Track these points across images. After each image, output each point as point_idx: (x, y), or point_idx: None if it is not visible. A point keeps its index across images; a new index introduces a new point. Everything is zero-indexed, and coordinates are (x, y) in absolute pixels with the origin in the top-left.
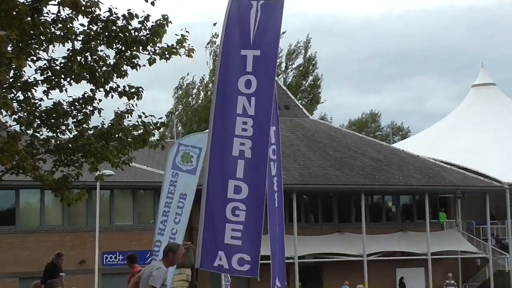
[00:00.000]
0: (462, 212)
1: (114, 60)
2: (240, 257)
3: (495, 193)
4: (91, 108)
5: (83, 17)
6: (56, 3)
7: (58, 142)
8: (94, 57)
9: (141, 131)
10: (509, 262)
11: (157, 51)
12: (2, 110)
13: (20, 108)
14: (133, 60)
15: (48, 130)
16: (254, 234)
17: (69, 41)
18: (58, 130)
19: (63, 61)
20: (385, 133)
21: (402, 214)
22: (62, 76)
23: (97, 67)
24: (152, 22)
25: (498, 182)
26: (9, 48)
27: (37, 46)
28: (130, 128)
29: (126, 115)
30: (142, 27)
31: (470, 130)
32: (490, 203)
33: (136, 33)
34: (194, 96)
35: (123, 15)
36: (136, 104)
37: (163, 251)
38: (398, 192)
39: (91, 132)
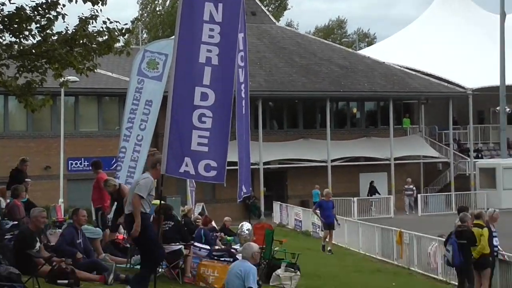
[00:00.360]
0: (425, 117)
1: None
2: (206, 163)
3: (458, 99)
4: (55, 14)
5: None
6: None
7: (21, 47)
8: None
9: (106, 37)
10: (469, 166)
11: None
12: None
13: None
14: None
15: (11, 35)
16: (221, 141)
17: None
18: (21, 36)
19: None
20: (351, 40)
21: (366, 120)
22: None
23: None
24: None
25: (461, 87)
26: None
27: None
28: (95, 34)
29: (91, 21)
30: None
31: (435, 36)
32: (453, 108)
33: None
34: (160, 2)
35: None
36: (101, 10)
37: (151, 163)
38: (363, 98)
39: (55, 37)
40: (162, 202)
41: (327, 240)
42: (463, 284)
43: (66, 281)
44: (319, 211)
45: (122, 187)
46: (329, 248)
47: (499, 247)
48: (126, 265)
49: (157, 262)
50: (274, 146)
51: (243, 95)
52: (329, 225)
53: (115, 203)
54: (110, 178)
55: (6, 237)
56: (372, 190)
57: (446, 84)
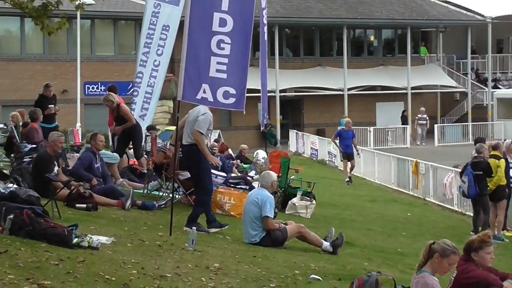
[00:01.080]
0: (443, 46)
1: None
2: (225, 90)
3: (477, 27)
4: None
5: None
6: None
7: None
8: None
9: None
10: (487, 96)
11: None
12: None
13: None
14: None
15: None
16: (240, 68)
17: None
18: None
19: None
20: None
21: (383, 48)
22: None
23: None
24: None
25: (480, 15)
26: None
27: None
28: None
29: None
30: None
31: None
32: (471, 37)
33: None
34: None
35: None
36: None
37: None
38: (380, 26)
39: None
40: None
41: (348, 171)
42: (479, 215)
43: (84, 205)
44: (338, 141)
45: (122, 107)
46: (347, 179)
47: None
48: (143, 191)
49: (207, 197)
50: (290, 74)
51: (264, 21)
52: (348, 155)
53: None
54: (109, 93)
55: (24, 160)
56: (403, 119)
57: (465, 12)
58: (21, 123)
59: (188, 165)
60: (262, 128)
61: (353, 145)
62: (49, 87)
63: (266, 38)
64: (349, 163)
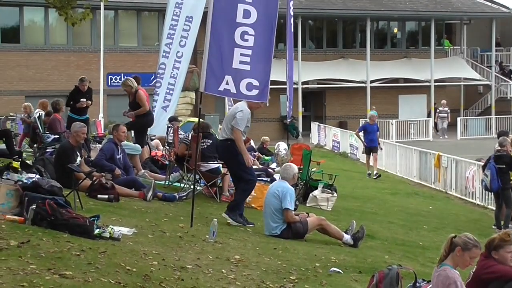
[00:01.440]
0: (467, 38)
1: None
2: (248, 82)
3: (502, 19)
4: None
5: None
6: None
7: None
8: None
9: None
10: (511, 89)
11: None
12: None
13: None
14: None
15: None
16: (264, 60)
17: None
18: None
19: None
20: None
21: (407, 41)
22: None
23: None
24: None
25: (505, 7)
26: None
27: None
28: None
29: None
30: None
31: None
32: (496, 29)
33: None
34: None
35: None
36: None
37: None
38: (404, 18)
39: None
40: (200, 120)
41: (371, 165)
42: (501, 209)
43: (106, 196)
44: (362, 135)
45: (139, 93)
46: (375, 172)
47: None
48: (165, 182)
49: (248, 186)
50: (313, 66)
51: (291, 13)
52: (371, 149)
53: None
54: (128, 78)
55: (47, 150)
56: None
57: (489, 4)
58: (43, 113)
59: (225, 160)
60: (288, 120)
61: (377, 139)
62: (83, 81)
63: (292, 30)
64: (373, 156)
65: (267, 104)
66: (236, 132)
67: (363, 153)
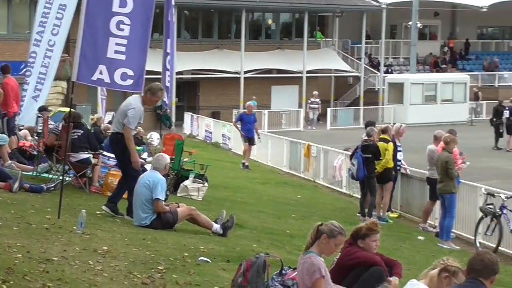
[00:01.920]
0: (339, 31)
1: None
2: (123, 71)
3: (372, 13)
4: None
5: None
6: None
7: None
8: None
9: None
10: (378, 80)
11: None
12: None
13: None
14: None
15: None
16: (139, 50)
17: None
18: None
19: None
20: None
21: (281, 32)
22: None
23: None
24: None
25: (376, 1)
26: None
27: None
28: None
29: None
30: None
31: None
32: (366, 22)
33: None
34: None
35: None
36: None
37: (147, 89)
38: (278, 10)
39: None
40: (71, 110)
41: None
42: (366, 197)
43: None
44: (239, 125)
45: None
46: (246, 164)
47: (402, 161)
48: (33, 172)
49: (131, 182)
50: (188, 56)
51: (173, 2)
52: (249, 139)
53: None
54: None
55: None
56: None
57: None
58: None
59: (115, 153)
60: (163, 110)
61: (254, 130)
62: None
63: (174, 20)
64: (249, 147)
65: (142, 94)
66: (127, 131)
67: (245, 141)
